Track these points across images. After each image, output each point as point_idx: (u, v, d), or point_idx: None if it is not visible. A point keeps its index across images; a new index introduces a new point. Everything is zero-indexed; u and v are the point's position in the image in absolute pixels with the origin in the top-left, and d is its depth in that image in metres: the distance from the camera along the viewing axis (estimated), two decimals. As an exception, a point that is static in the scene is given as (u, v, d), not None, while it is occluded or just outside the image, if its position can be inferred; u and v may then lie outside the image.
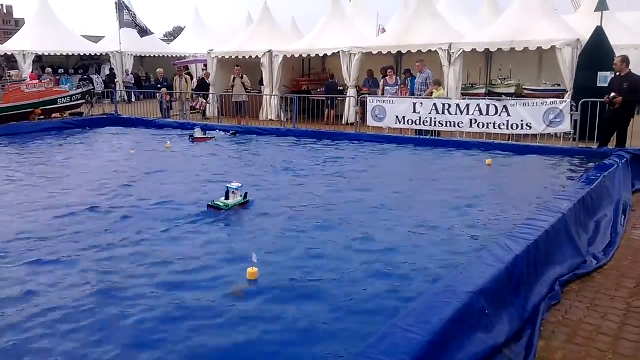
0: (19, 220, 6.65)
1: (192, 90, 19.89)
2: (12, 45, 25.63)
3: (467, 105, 12.69)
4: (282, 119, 17.36)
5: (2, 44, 26.99)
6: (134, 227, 6.31)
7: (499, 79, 17.97)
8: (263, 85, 19.11)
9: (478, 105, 12.60)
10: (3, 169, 10.09)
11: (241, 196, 7.17)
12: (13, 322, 4.03)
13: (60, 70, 27.58)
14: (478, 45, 14.99)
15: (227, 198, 7.09)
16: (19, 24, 75.60)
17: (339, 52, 16.96)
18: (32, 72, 23.20)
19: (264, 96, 18.72)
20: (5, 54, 23.92)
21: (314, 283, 4.72)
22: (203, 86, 20.13)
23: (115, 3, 24.57)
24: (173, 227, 6.29)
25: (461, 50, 14.94)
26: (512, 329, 3.78)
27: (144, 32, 24.08)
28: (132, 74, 27.25)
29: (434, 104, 12.99)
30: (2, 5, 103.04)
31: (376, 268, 5.06)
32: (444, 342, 3.07)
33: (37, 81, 18.20)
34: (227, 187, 7.14)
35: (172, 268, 5.06)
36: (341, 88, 18.09)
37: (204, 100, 18.99)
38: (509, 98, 13.44)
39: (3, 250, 5.54)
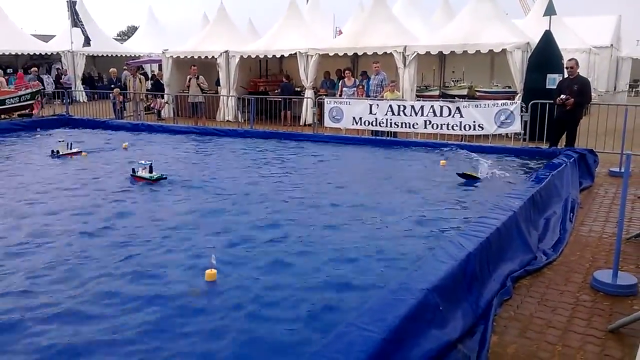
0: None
1: (148, 90, 19.54)
2: (-46, 44, 24.62)
3: (422, 107, 12.89)
4: (240, 120, 17.23)
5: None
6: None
7: (452, 81, 18.30)
8: (220, 85, 18.94)
9: (432, 106, 12.81)
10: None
11: (151, 172, 8.65)
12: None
13: (9, 70, 26.60)
14: (432, 47, 15.25)
15: (134, 172, 8.76)
16: (-38, 21, 72.45)
17: (295, 53, 16.97)
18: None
19: (221, 97, 18.55)
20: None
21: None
22: (157, 86, 19.86)
23: (67, 2, 23.98)
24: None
25: (415, 53, 15.19)
26: (466, 324, 3.85)
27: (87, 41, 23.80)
28: (70, 74, 26.39)
29: (390, 106, 13.13)
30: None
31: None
32: (399, 339, 3.09)
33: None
34: (137, 163, 8.91)
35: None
36: (298, 89, 18.10)
37: (162, 100, 18.65)
38: (461, 100, 13.74)
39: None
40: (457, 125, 12.51)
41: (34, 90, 18.37)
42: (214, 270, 4.73)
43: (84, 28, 23.73)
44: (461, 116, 12.44)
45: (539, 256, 5.49)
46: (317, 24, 21.24)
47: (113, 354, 3.55)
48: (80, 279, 4.76)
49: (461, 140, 12.50)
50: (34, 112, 18.08)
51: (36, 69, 24.35)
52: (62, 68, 26.55)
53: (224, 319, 4.04)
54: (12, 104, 17.07)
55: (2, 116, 17.10)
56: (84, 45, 24.51)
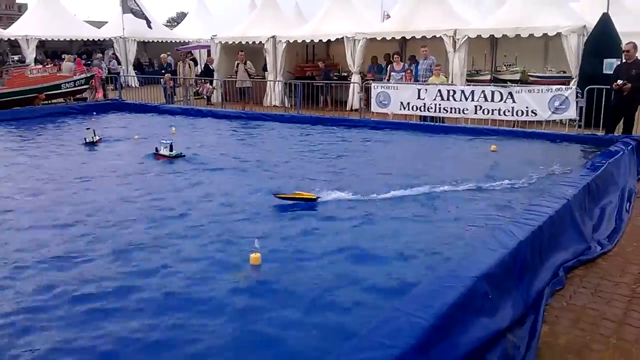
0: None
1: (197, 75, 19.84)
2: (14, 31, 25.51)
3: (472, 92, 12.63)
4: (286, 105, 17.30)
5: (4, 29, 26.81)
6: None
7: (504, 65, 17.86)
8: (267, 71, 19.03)
9: (483, 91, 12.53)
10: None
11: (171, 150, 9.35)
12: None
13: (64, 56, 27.41)
14: (483, 31, 14.87)
15: (157, 151, 9.43)
16: (21, 9, 75.20)
17: (342, 37, 16.85)
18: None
19: (268, 82, 18.64)
20: (9, 39, 23.73)
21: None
22: (207, 72, 20.06)
23: (119, -12, 24.52)
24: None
25: (466, 37, 14.84)
26: (516, 313, 3.78)
27: (148, 22, 24.15)
28: (115, 59, 26.86)
29: (439, 90, 12.92)
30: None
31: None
32: (447, 326, 3.06)
33: (40, 66, 18.18)
34: (160, 142, 9.54)
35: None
36: (345, 74, 18.03)
37: (210, 86, 18.87)
38: (514, 85, 13.36)
39: None
40: (509, 111, 12.20)
41: (88, 75, 18.94)
42: (258, 254, 4.80)
43: (142, 12, 24.15)
44: (513, 101, 12.12)
45: (593, 246, 5.33)
46: (364, 8, 20.96)
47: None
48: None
49: (513, 126, 12.19)
50: (97, 96, 18.73)
51: (101, 55, 24.95)
52: (114, 54, 27.21)
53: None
54: (67, 88, 17.64)
55: (59, 100, 17.72)
56: (149, 26, 24.94)
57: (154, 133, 12.37)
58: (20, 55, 22.34)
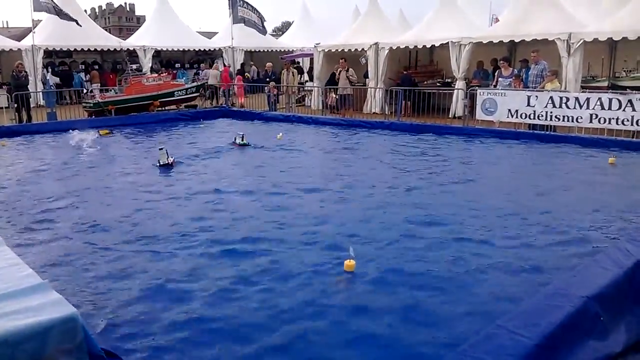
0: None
1: (300, 83, 20.05)
2: (133, 41, 27.36)
3: (587, 99, 11.91)
4: (386, 112, 17.18)
5: (125, 40, 28.86)
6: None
7: (624, 71, 16.62)
8: (368, 78, 19.01)
9: (599, 99, 11.78)
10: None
11: (243, 140, 11.83)
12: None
13: (177, 65, 29.10)
14: (601, 34, 13.93)
15: (241, 139, 11.85)
16: (140, 20, 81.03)
17: (447, 42, 16.49)
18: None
19: (369, 89, 18.60)
20: (128, 49, 25.48)
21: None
22: (333, 80, 18.52)
23: (229, 1, 25.55)
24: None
25: (581, 41, 13.99)
26: (631, 338, 3.50)
27: (263, 28, 24.90)
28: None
29: (551, 97, 12.28)
30: (125, 3, 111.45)
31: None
32: (552, 347, 2.92)
33: (156, 75, 19.39)
34: (235, 135, 12.04)
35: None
36: (449, 80, 17.63)
37: (334, 95, 18.62)
38: (634, 92, 12.40)
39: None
40: (628, 120, 11.36)
41: (199, 84, 19.95)
42: (353, 262, 4.78)
43: (254, 21, 25.08)
44: (633, 110, 11.28)
45: None
46: (472, 12, 20.38)
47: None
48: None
49: (633, 137, 11.33)
50: (240, 101, 20.55)
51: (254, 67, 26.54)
52: (225, 63, 28.39)
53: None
54: (180, 96, 18.62)
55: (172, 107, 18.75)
56: (262, 29, 25.85)
57: (259, 139, 12.75)
58: (138, 65, 23.85)
